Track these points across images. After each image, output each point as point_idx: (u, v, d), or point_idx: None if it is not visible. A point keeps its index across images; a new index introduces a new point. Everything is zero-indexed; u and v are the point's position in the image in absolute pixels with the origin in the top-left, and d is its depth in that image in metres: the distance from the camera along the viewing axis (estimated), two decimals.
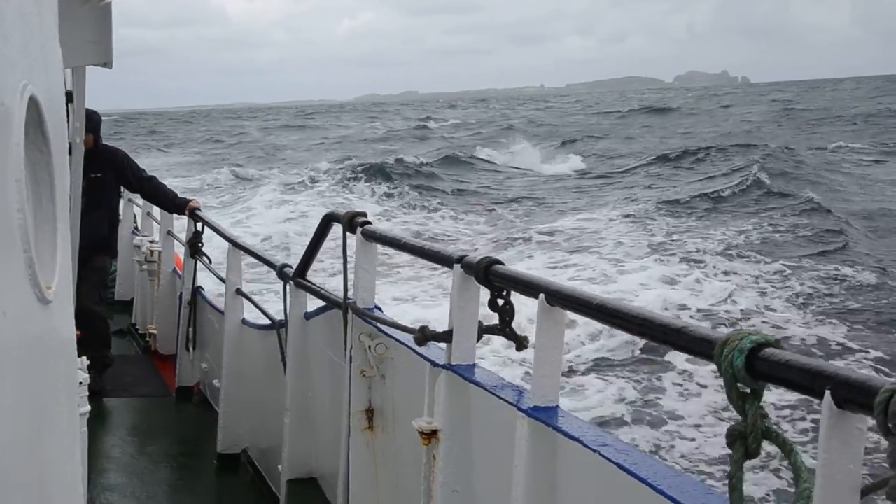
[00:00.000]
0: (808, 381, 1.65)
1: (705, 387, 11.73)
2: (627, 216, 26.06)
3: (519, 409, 2.78)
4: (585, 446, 2.49)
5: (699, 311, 15.52)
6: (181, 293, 8.23)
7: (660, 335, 2.18)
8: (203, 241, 7.91)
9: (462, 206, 32.00)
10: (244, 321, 6.67)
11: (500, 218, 29.53)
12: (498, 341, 3.90)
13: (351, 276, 4.32)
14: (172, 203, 8.36)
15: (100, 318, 8.27)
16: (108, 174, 8.11)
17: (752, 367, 1.73)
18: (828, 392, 1.59)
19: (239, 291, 6.68)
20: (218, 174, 42.52)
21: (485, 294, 3.17)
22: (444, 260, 3.42)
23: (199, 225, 7.86)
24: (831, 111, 67.58)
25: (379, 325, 4.07)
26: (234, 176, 41.64)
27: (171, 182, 9.02)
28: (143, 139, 78.23)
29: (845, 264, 18.55)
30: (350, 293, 4.31)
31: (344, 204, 30.10)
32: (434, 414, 3.30)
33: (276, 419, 5.53)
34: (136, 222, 11.12)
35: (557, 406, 2.77)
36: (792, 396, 10.06)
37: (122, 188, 8.93)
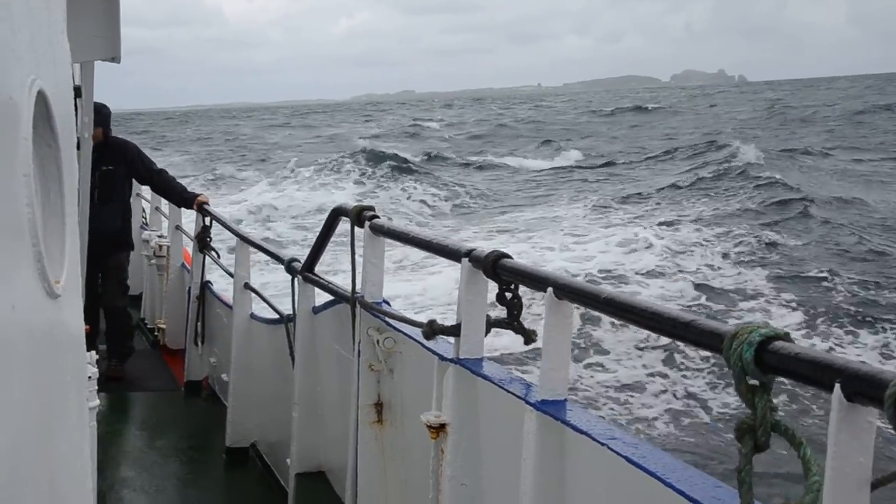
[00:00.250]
0: (817, 374, 1.65)
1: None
2: (590, 207, 28.26)
3: (527, 402, 2.77)
4: (594, 440, 2.49)
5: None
6: (190, 288, 8.26)
7: (668, 329, 2.17)
8: (211, 235, 7.94)
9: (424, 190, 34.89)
10: (252, 315, 6.68)
11: (462, 205, 32.28)
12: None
13: (359, 271, 4.32)
14: (181, 197, 8.40)
15: (124, 312, 8.61)
16: (119, 167, 8.16)
17: (761, 361, 1.72)
18: (837, 385, 1.58)
19: (247, 286, 6.69)
20: (213, 171, 43.26)
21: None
22: (452, 254, 3.42)
23: (208, 219, 7.88)
24: (818, 112, 67.88)
25: (387, 319, 4.07)
26: (215, 175, 42.45)
27: None
28: (140, 139, 79.02)
29: (775, 231, 21.47)
30: (358, 287, 4.31)
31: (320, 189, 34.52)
32: (442, 408, 3.30)
33: (284, 413, 5.54)
34: (144, 217, 11.15)
35: (566, 399, 2.76)
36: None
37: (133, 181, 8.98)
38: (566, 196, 32.14)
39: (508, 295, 3.06)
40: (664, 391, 11.73)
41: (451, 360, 3.29)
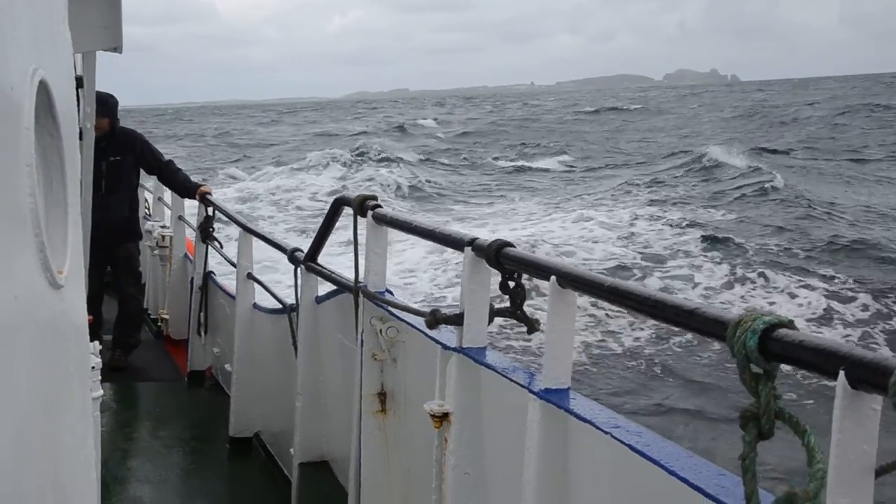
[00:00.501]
0: (821, 361, 1.64)
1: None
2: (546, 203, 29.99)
3: (530, 391, 2.77)
4: (597, 428, 2.49)
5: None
6: (192, 278, 8.26)
7: (672, 317, 2.17)
8: (214, 225, 7.94)
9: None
10: (255, 305, 6.69)
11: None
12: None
13: (362, 260, 4.32)
14: (184, 187, 8.41)
15: (137, 301, 8.71)
16: (126, 157, 8.17)
17: (765, 348, 1.72)
18: (842, 372, 1.58)
19: (250, 276, 6.70)
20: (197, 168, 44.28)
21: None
22: (455, 243, 3.42)
23: (211, 209, 7.89)
24: (801, 112, 68.31)
25: (390, 308, 4.07)
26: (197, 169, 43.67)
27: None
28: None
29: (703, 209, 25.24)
30: (361, 277, 4.31)
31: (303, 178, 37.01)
32: (445, 397, 3.31)
33: (287, 403, 5.54)
34: (147, 207, 11.15)
35: (569, 388, 2.76)
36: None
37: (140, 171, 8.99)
38: (527, 195, 33.55)
39: (511, 284, 3.06)
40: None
41: (455, 350, 3.29)
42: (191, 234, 8.91)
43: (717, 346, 10.81)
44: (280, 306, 6.07)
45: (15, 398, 1.30)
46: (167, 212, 9.89)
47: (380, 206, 4.22)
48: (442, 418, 3.27)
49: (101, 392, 3.64)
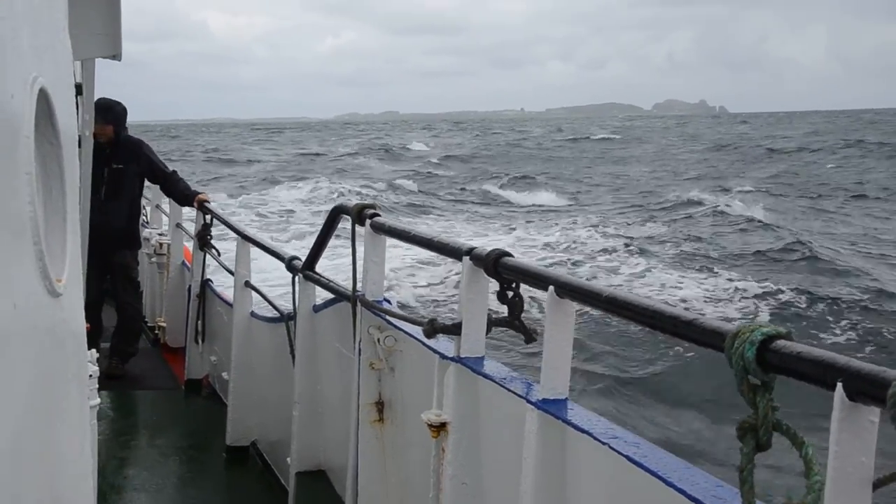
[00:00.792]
0: (819, 373, 1.64)
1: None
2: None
3: (528, 401, 2.77)
4: (595, 439, 2.48)
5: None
6: (190, 286, 8.25)
7: (670, 327, 2.17)
8: (212, 233, 7.93)
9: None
10: (253, 314, 6.68)
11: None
12: None
13: (360, 269, 4.32)
14: (183, 195, 8.40)
15: (135, 310, 8.64)
16: (130, 165, 8.14)
17: (763, 360, 1.72)
18: (840, 384, 1.58)
19: (248, 284, 6.69)
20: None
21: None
22: (453, 252, 3.41)
23: (208, 217, 7.87)
24: (774, 148, 69.59)
25: (388, 317, 4.07)
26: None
27: None
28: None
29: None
30: (359, 286, 4.31)
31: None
32: (443, 406, 3.30)
33: (284, 412, 5.53)
34: (144, 215, 11.14)
35: (567, 398, 2.76)
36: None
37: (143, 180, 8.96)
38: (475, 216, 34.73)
39: (509, 293, 3.06)
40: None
41: (452, 359, 3.29)
42: (189, 242, 8.91)
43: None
44: (278, 314, 6.07)
45: (13, 406, 1.29)
46: (165, 219, 9.89)
47: (378, 214, 4.22)
48: (439, 428, 3.26)
49: (98, 400, 3.63)
